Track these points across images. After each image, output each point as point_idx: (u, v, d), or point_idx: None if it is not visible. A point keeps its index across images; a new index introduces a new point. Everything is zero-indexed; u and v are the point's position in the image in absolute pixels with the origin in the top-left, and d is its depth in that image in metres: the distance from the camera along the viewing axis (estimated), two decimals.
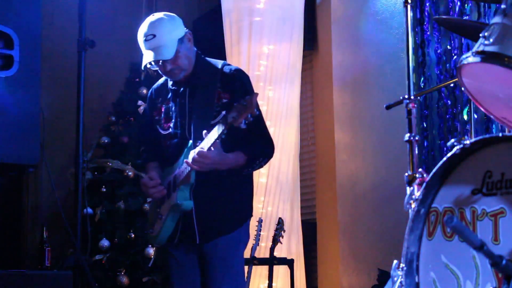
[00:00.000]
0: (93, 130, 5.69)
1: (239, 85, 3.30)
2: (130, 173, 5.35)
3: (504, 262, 1.95)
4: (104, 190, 5.40)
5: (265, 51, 5.44)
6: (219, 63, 3.39)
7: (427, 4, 4.98)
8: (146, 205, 5.29)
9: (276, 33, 5.44)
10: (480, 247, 1.95)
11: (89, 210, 5.10)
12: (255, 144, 3.25)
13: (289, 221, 5.26)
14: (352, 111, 5.52)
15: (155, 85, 3.54)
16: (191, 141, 3.23)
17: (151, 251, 5.18)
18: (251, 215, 3.43)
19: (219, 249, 3.27)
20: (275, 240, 4.65)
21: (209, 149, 3.06)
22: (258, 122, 3.15)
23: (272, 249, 4.67)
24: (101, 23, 5.97)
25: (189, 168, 3.15)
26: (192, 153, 3.12)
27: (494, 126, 4.42)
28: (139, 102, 5.58)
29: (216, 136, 3.00)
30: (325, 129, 5.62)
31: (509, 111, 2.52)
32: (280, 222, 4.69)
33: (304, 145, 5.86)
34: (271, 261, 4.70)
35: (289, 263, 4.90)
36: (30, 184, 4.86)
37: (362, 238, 5.31)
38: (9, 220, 4.54)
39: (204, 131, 3.07)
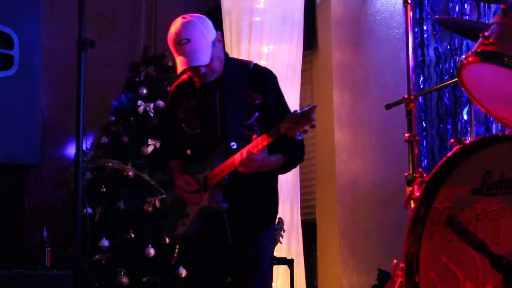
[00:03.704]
0: (93, 130, 5.69)
1: (271, 86, 3.29)
2: (130, 173, 5.35)
3: (504, 262, 1.95)
4: (104, 190, 5.39)
5: (265, 51, 5.43)
6: (248, 63, 3.36)
7: (427, 4, 4.98)
8: (146, 205, 5.28)
9: (276, 33, 5.44)
10: (480, 247, 1.95)
11: (89, 210, 5.09)
12: (293, 147, 3.23)
13: (289, 221, 5.26)
14: (352, 111, 5.52)
15: (177, 82, 3.46)
16: (234, 144, 3.16)
17: (151, 251, 5.18)
18: (277, 214, 3.44)
19: (250, 249, 3.25)
20: (275, 240, 4.65)
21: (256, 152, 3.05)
22: None
23: (271, 249, 4.67)
24: (101, 23, 5.99)
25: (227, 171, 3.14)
26: (239, 155, 3.07)
27: (494, 126, 4.43)
28: (139, 102, 5.58)
29: (265, 144, 2.97)
30: (325, 129, 5.62)
31: (509, 111, 2.52)
32: (280, 222, 4.69)
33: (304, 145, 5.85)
34: (272, 261, 4.70)
35: (289, 263, 4.90)
36: (30, 184, 4.85)
37: (362, 238, 5.31)
38: (9, 220, 4.54)
39: (254, 135, 3.03)
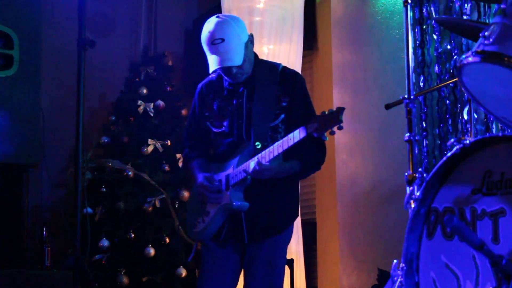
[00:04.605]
0: (93, 130, 5.69)
1: (299, 89, 3.31)
2: (130, 173, 5.35)
3: (504, 262, 1.95)
4: (104, 190, 5.39)
5: (265, 51, 5.43)
6: (277, 65, 3.38)
7: (427, 4, 4.98)
8: (146, 205, 5.28)
9: (276, 33, 5.44)
10: (480, 247, 1.95)
11: (89, 210, 5.09)
12: (312, 152, 3.25)
13: None
14: (352, 111, 5.51)
15: (205, 80, 3.47)
16: (258, 144, 3.19)
17: (151, 251, 5.18)
18: (297, 216, 3.45)
19: (266, 249, 3.26)
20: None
21: (269, 160, 3.07)
22: None
23: None
24: (101, 23, 5.98)
25: (244, 174, 3.15)
26: (252, 163, 3.10)
27: (494, 126, 4.42)
28: (139, 102, 5.58)
29: (291, 143, 2.99)
30: None
31: (509, 111, 2.52)
32: None
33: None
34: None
35: (289, 263, 4.89)
36: (30, 184, 4.84)
37: (362, 238, 5.31)
38: (9, 220, 4.53)
39: (284, 139, 3.04)
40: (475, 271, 2.37)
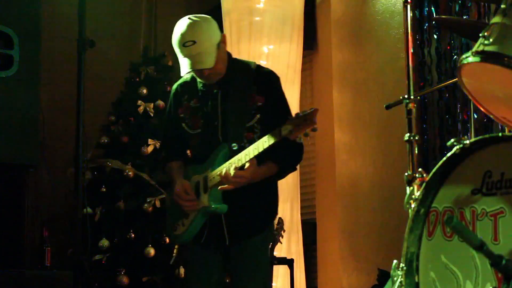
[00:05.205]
0: (93, 130, 5.69)
1: (274, 88, 3.28)
2: (130, 173, 5.35)
3: (504, 262, 1.95)
4: (104, 190, 5.39)
5: (265, 51, 5.43)
6: (251, 64, 3.35)
7: (427, 4, 4.98)
8: (146, 205, 5.28)
9: (276, 33, 5.44)
10: (480, 247, 1.95)
11: (89, 210, 5.09)
12: (287, 153, 3.21)
13: (289, 221, 5.26)
14: (352, 111, 5.52)
15: (179, 81, 3.43)
16: (234, 145, 3.16)
17: (151, 251, 5.18)
18: (277, 215, 3.43)
19: (247, 250, 3.25)
20: (275, 240, 4.65)
21: (243, 166, 3.05)
22: None
23: (272, 249, 4.67)
24: (101, 23, 5.98)
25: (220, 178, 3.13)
26: (230, 170, 3.06)
27: (494, 126, 4.43)
28: (139, 102, 5.58)
29: (266, 146, 2.96)
30: (325, 129, 5.62)
31: (509, 111, 2.52)
32: (280, 222, 4.68)
33: (304, 145, 5.84)
34: (271, 261, 4.70)
35: (289, 263, 4.90)
36: (30, 184, 4.85)
37: (362, 238, 5.31)
38: (9, 220, 4.53)
39: (259, 141, 3.02)
40: (475, 271, 2.36)
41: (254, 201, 3.25)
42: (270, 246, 3.46)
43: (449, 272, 2.47)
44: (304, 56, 5.63)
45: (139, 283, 5.19)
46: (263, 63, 5.42)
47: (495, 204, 2.35)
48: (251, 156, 3.03)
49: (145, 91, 5.63)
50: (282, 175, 3.33)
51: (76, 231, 3.38)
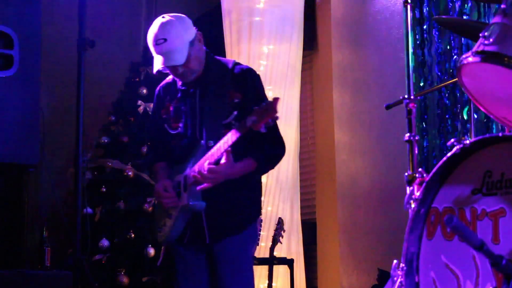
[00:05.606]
0: (93, 130, 5.69)
1: (251, 85, 3.28)
2: (130, 173, 5.35)
3: (504, 262, 1.95)
4: (104, 190, 5.40)
5: (265, 51, 5.44)
6: (229, 62, 3.36)
7: (427, 4, 4.98)
8: (146, 205, 5.28)
9: (276, 33, 5.44)
10: (480, 247, 1.95)
11: (89, 210, 5.09)
12: (266, 148, 3.21)
13: (289, 221, 5.26)
14: (352, 111, 5.52)
15: (162, 83, 3.48)
16: (211, 142, 3.16)
17: (151, 251, 5.18)
18: (260, 214, 3.42)
19: (229, 249, 3.24)
20: (275, 240, 4.65)
21: (219, 162, 3.05)
22: (273, 125, 3.08)
23: (272, 249, 4.67)
24: (101, 23, 5.98)
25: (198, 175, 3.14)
26: (204, 165, 3.07)
27: (494, 126, 4.42)
28: (139, 102, 5.58)
29: (234, 139, 2.96)
30: (325, 129, 5.62)
31: (509, 111, 2.52)
32: (280, 222, 4.69)
33: (304, 145, 5.86)
34: (271, 261, 4.70)
35: (289, 263, 4.90)
36: (30, 184, 4.85)
37: (362, 238, 5.31)
38: (9, 220, 4.53)
39: (228, 134, 3.02)
40: (475, 271, 2.36)
41: (234, 199, 3.24)
42: (255, 246, 3.43)
43: (449, 272, 2.47)
44: (304, 56, 5.63)
45: (139, 283, 5.19)
46: (263, 63, 5.43)
47: (495, 204, 2.35)
48: (222, 150, 3.04)
49: (145, 91, 5.63)
50: (262, 171, 3.31)
51: (76, 231, 3.39)
